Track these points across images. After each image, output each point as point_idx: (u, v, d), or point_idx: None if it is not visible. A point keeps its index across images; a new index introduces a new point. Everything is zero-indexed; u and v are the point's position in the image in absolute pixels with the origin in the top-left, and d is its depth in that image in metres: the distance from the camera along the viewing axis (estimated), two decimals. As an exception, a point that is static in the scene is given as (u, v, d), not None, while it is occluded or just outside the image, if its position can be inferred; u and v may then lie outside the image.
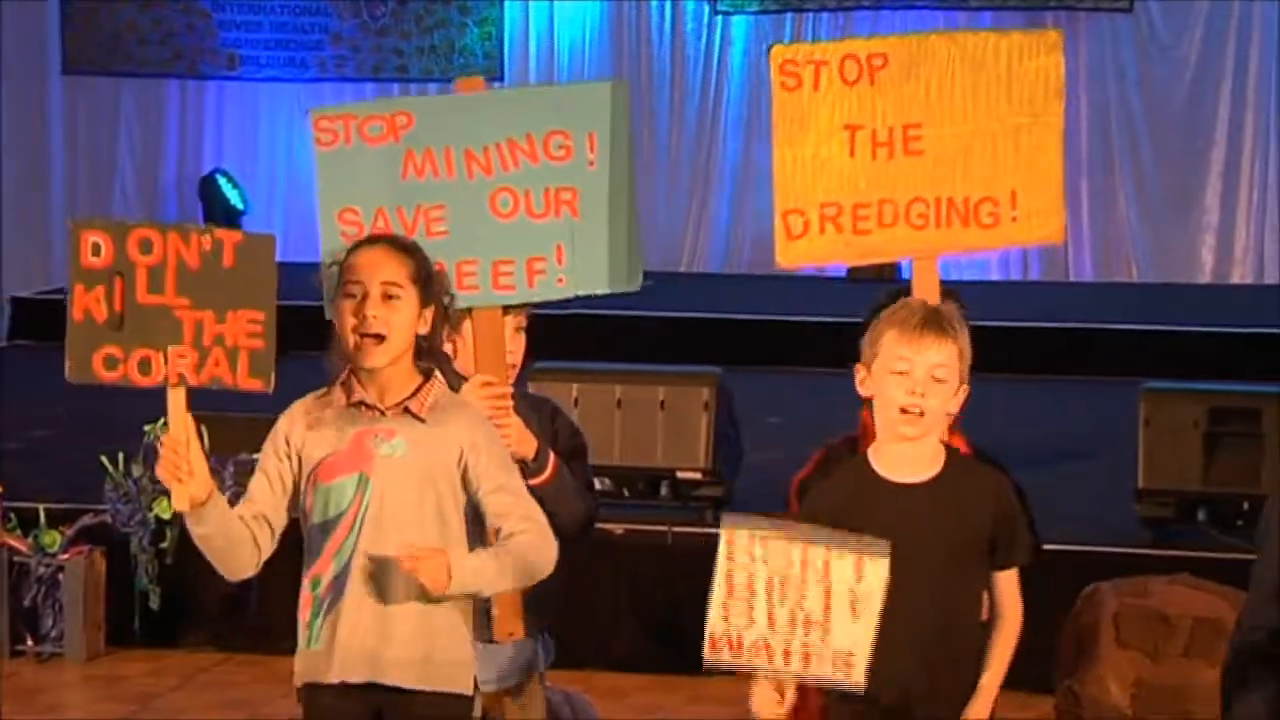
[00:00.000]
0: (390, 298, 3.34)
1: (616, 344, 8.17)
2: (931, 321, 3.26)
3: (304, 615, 3.41)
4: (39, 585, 6.52)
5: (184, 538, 6.50)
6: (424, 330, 3.38)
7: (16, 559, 6.52)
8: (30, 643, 6.53)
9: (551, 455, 3.69)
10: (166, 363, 3.21)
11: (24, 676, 6.40)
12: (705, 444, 6.47)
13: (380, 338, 3.32)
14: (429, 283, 3.39)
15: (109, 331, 3.21)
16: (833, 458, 3.75)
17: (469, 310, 3.73)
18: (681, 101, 12.05)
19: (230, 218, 12.24)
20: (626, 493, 6.54)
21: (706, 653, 3.05)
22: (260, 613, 6.54)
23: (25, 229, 12.28)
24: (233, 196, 12.26)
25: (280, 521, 3.40)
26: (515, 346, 3.84)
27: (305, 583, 3.40)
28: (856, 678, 3.03)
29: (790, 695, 3.10)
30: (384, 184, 3.74)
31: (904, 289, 3.66)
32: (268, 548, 3.40)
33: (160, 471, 3.25)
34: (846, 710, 3.23)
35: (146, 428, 6.47)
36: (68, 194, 12.52)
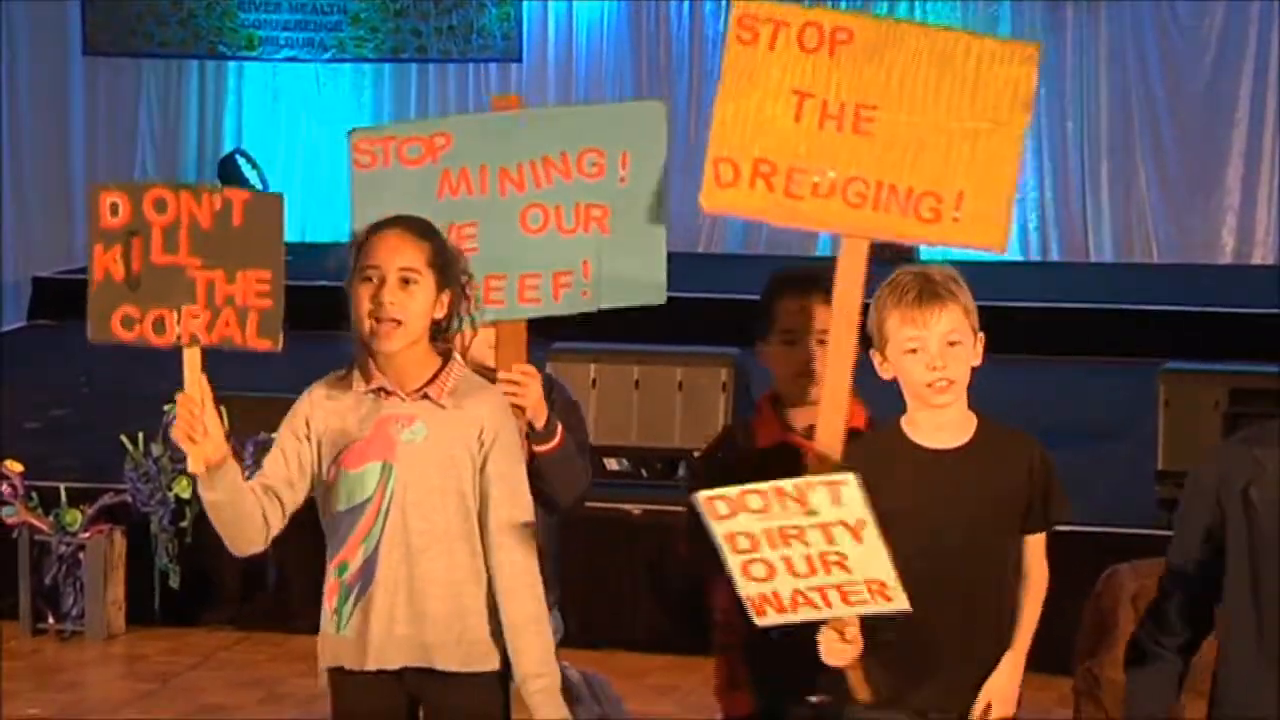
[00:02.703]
0: (408, 283, 3.34)
1: (634, 325, 8.15)
2: (928, 292, 3.26)
3: (330, 601, 3.41)
4: (60, 564, 6.55)
5: (203, 517, 6.55)
6: (440, 314, 3.39)
7: (38, 538, 6.55)
8: (51, 621, 6.57)
9: (559, 425, 3.73)
10: (180, 322, 3.22)
11: (45, 654, 6.44)
12: (723, 425, 6.47)
13: (397, 323, 3.33)
14: (446, 266, 3.39)
15: (126, 291, 3.24)
16: (731, 433, 3.93)
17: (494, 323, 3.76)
18: (699, 83, 12.02)
19: (250, 199, 12.26)
20: (644, 473, 6.54)
21: (755, 618, 3.05)
22: (279, 592, 6.57)
23: (46, 209, 12.31)
24: (252, 177, 12.27)
25: (293, 500, 3.40)
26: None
27: (330, 569, 3.41)
28: (900, 603, 3.04)
29: (855, 635, 3.11)
30: (419, 205, 3.73)
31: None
32: (277, 524, 3.38)
33: (175, 432, 3.24)
34: (883, 675, 3.25)
35: (166, 407, 6.49)
36: (88, 175, 12.53)
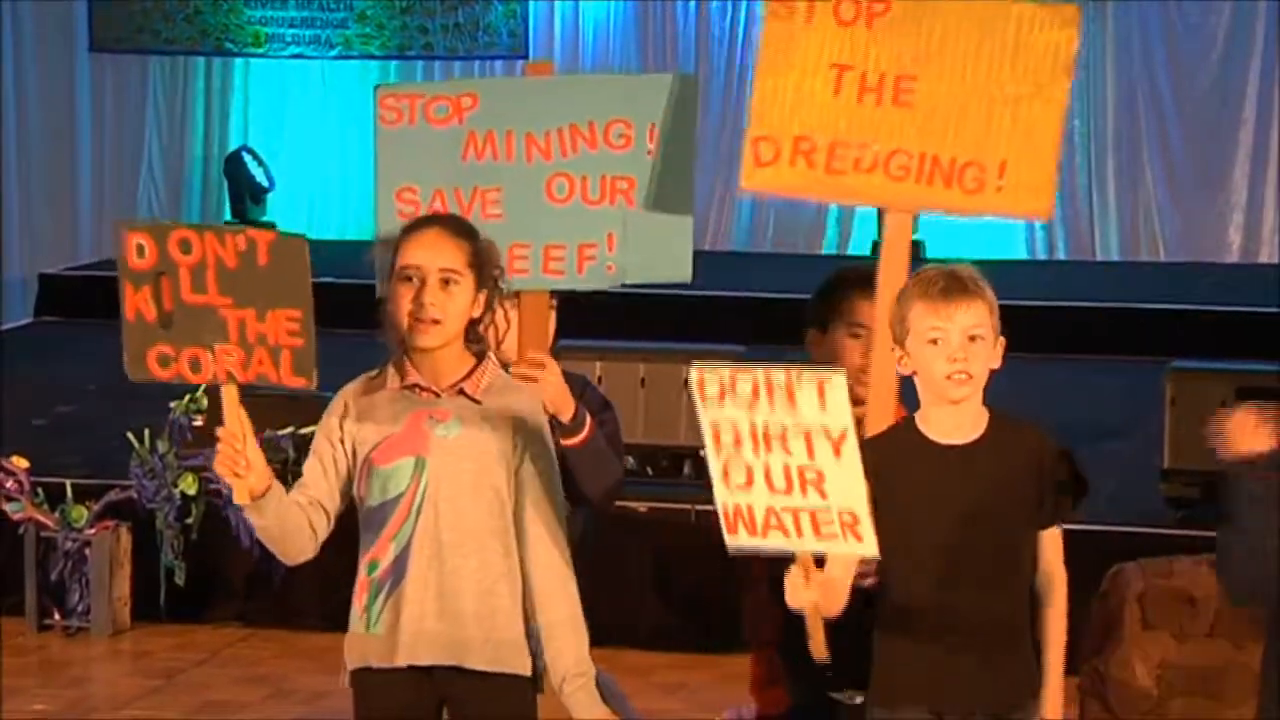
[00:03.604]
0: (448, 283, 3.33)
1: (640, 322, 8.16)
2: (954, 285, 3.25)
3: (360, 599, 3.40)
4: (66, 560, 6.56)
5: (209, 514, 6.59)
6: (478, 313, 3.38)
7: (43, 534, 6.56)
8: (57, 617, 6.57)
9: (588, 417, 3.68)
10: (215, 361, 3.23)
11: (51, 650, 6.44)
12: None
13: (436, 322, 3.33)
14: (484, 266, 3.39)
15: (160, 330, 3.25)
16: None
17: (517, 293, 3.73)
18: (706, 79, 11.99)
19: (256, 195, 12.27)
20: (650, 471, 6.54)
21: (727, 537, 3.02)
22: (284, 589, 6.56)
23: (53, 206, 12.32)
24: (258, 174, 12.27)
25: (335, 506, 3.41)
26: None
27: (361, 567, 3.39)
28: (869, 545, 2.99)
29: (819, 578, 3.06)
30: (444, 165, 3.74)
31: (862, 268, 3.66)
32: (323, 531, 3.40)
33: (218, 466, 3.26)
34: (899, 677, 3.25)
35: (173, 404, 6.50)
36: (95, 172, 12.56)
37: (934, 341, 3.24)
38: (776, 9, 3.58)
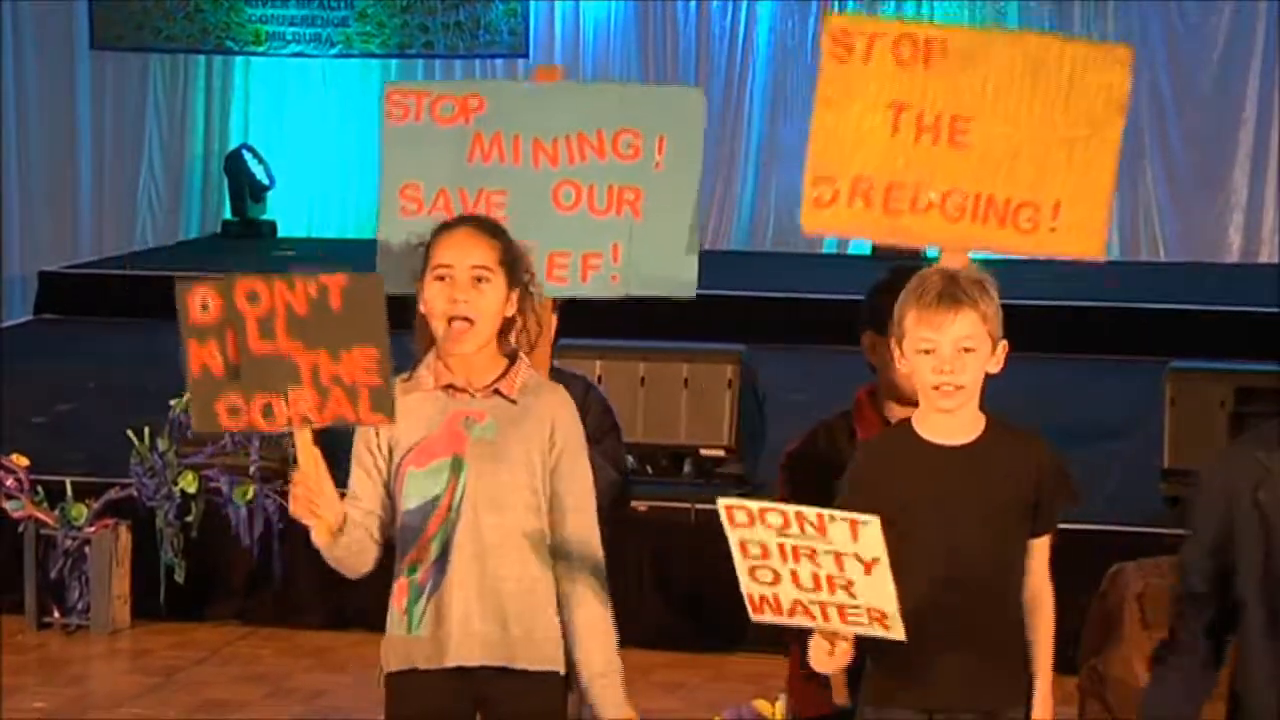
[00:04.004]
0: (480, 280, 3.32)
1: (640, 321, 8.16)
2: (947, 295, 3.24)
3: (399, 602, 3.39)
4: (65, 558, 6.56)
5: (209, 512, 6.59)
6: (510, 313, 3.37)
7: (43, 532, 6.56)
8: (57, 615, 6.57)
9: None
10: (289, 406, 3.18)
11: (50, 648, 6.44)
12: (729, 422, 6.48)
13: (469, 322, 3.32)
14: (515, 265, 3.38)
15: (227, 381, 3.18)
16: (823, 431, 3.74)
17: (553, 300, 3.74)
18: (707, 79, 12.00)
19: (256, 193, 12.28)
20: (650, 470, 6.55)
21: (752, 613, 3.05)
22: (284, 587, 6.57)
23: (53, 204, 12.32)
24: (259, 172, 12.28)
25: (387, 510, 3.40)
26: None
27: (401, 569, 3.38)
28: (896, 631, 3.03)
29: (844, 648, 3.09)
30: (449, 164, 3.73)
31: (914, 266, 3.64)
32: (384, 537, 3.41)
33: (294, 509, 3.24)
34: (891, 677, 3.26)
35: (173, 402, 6.50)
36: (95, 169, 12.56)
37: (925, 351, 3.25)
38: (835, 49, 3.59)
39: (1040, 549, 3.37)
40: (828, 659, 3.10)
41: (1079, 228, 3.56)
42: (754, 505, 2.98)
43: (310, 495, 3.22)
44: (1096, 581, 5.32)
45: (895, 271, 3.70)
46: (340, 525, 3.26)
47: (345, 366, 3.17)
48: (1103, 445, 7.18)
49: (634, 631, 6.46)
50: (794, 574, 2.99)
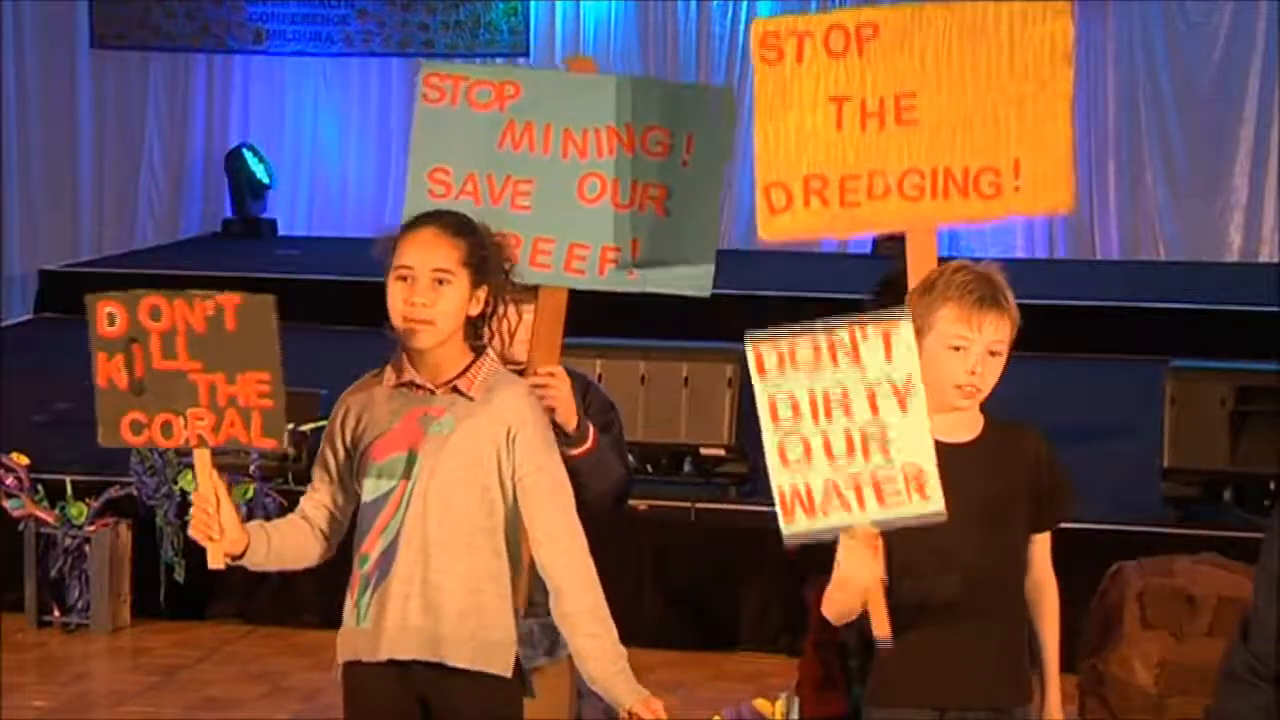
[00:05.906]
0: (441, 283, 3.33)
1: (640, 320, 8.17)
2: (989, 298, 3.23)
3: (352, 595, 3.40)
4: (66, 557, 6.56)
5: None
6: (475, 311, 3.37)
7: (44, 530, 6.56)
8: (57, 614, 6.58)
9: (591, 427, 3.68)
10: (186, 426, 3.29)
11: (51, 647, 6.45)
12: (729, 421, 6.47)
13: (428, 322, 3.32)
14: (482, 264, 3.37)
15: (132, 397, 3.29)
16: None
17: (535, 288, 3.72)
18: (706, 79, 12.00)
19: (256, 191, 12.28)
20: (650, 469, 6.54)
21: (784, 526, 2.97)
22: (284, 586, 6.56)
23: (54, 203, 12.32)
24: (259, 171, 12.28)
25: (343, 506, 3.44)
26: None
27: (355, 560, 3.40)
28: (936, 503, 2.94)
29: (878, 546, 2.98)
30: (480, 149, 3.73)
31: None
32: (337, 534, 3.45)
33: (193, 531, 3.32)
34: (899, 675, 3.25)
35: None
36: (95, 168, 12.56)
37: (957, 349, 3.23)
38: (766, 54, 3.54)
39: (1042, 544, 3.37)
40: (870, 563, 2.97)
41: (1043, 183, 3.49)
42: (784, 340, 2.92)
43: (208, 519, 3.29)
44: (1096, 580, 5.32)
45: (900, 270, 3.70)
46: (241, 553, 3.33)
47: (240, 388, 3.28)
48: (1103, 444, 7.17)
49: (634, 631, 6.48)
50: (826, 441, 2.92)
